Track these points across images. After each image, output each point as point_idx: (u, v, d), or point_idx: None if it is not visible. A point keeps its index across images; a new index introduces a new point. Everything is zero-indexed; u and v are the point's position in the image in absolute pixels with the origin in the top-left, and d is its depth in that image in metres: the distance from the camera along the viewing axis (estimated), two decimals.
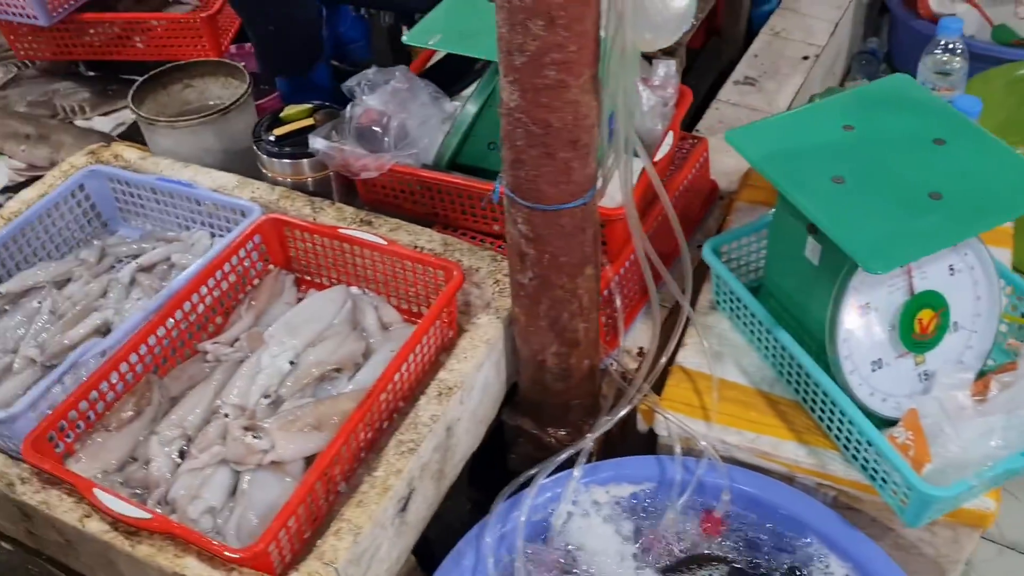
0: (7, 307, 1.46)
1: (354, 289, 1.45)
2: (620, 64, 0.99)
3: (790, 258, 1.25)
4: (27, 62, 2.15)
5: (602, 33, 0.99)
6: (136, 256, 1.57)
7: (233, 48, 2.12)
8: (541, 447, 1.43)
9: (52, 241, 1.56)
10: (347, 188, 1.61)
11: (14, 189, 1.90)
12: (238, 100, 1.74)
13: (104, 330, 1.39)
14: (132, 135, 2.04)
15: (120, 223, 1.66)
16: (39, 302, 1.45)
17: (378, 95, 1.47)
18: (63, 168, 1.62)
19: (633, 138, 1.08)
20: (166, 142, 1.74)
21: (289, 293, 1.46)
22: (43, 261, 1.54)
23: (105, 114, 2.10)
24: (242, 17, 1.73)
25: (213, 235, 1.56)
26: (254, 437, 1.15)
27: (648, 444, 1.42)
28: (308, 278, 1.50)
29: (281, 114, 1.62)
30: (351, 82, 1.48)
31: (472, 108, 1.42)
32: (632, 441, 1.45)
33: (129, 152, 1.65)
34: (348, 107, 1.48)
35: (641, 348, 1.50)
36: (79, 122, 2.07)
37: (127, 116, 2.09)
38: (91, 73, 2.19)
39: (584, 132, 1.05)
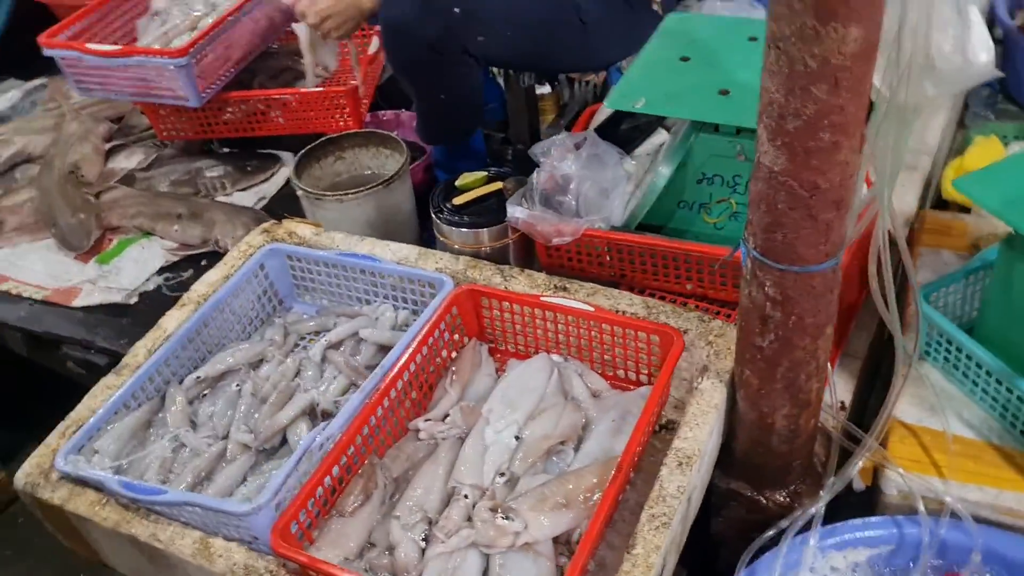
0: (206, 391, 1.45)
1: (555, 356, 1.42)
2: (895, 120, 0.97)
3: None
4: (166, 142, 2.17)
5: (879, 87, 0.97)
6: (318, 333, 1.56)
7: (368, 116, 2.14)
8: (755, 510, 1.39)
9: (239, 322, 1.55)
10: (526, 253, 1.60)
11: (170, 269, 1.92)
12: (400, 170, 1.74)
13: (311, 411, 1.38)
14: (272, 208, 2.06)
15: (295, 299, 1.66)
16: (237, 385, 1.44)
17: (563, 159, 1.46)
18: (241, 248, 1.63)
19: (890, 194, 1.06)
20: (331, 215, 1.74)
21: (488, 364, 1.44)
22: (231, 343, 1.53)
23: (244, 189, 2.11)
24: (411, 87, 1.74)
25: (396, 308, 1.55)
26: (504, 518, 1.12)
27: (864, 504, 1.38)
28: (502, 347, 1.48)
29: (457, 182, 1.61)
30: (537, 148, 1.48)
31: (666, 171, 1.41)
32: (846, 501, 1.40)
33: (302, 228, 1.65)
34: (535, 173, 1.48)
35: (843, 402, 1.46)
36: (221, 198, 2.08)
37: (267, 190, 2.11)
38: (226, 150, 2.22)
39: (848, 192, 1.03)
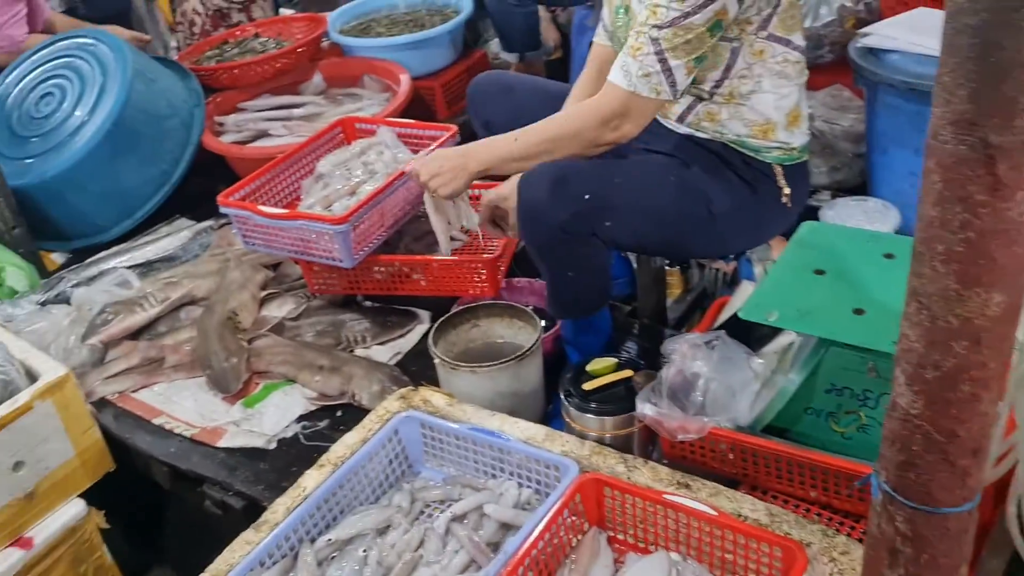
0: (335, 554, 1.52)
1: (674, 555, 1.43)
2: None
3: None
4: (314, 295, 2.33)
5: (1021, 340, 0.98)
6: (443, 502, 1.62)
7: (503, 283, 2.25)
8: None
9: (370, 484, 1.63)
10: (649, 441, 1.63)
11: (308, 416, 2.03)
12: (533, 346, 1.82)
13: None
14: (406, 364, 2.16)
15: (423, 465, 1.73)
16: (364, 551, 1.50)
17: (694, 358, 1.50)
18: (379, 413, 1.72)
19: None
20: (462, 384, 1.82)
21: (606, 555, 1.46)
22: (362, 505, 1.61)
23: (383, 343, 2.24)
24: (542, 264, 1.83)
25: (520, 485, 1.60)
26: None
27: None
28: (621, 536, 1.50)
29: (588, 367, 1.68)
30: (669, 345, 1.53)
31: (797, 379, 1.44)
32: None
33: (437, 398, 1.74)
34: (664, 368, 1.53)
35: None
36: (360, 351, 2.21)
37: (402, 345, 2.23)
38: (368, 303, 2.36)
39: (986, 441, 1.04)
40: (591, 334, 1.92)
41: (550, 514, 1.41)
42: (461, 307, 1.98)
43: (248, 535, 1.50)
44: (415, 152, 2.39)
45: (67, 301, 2.39)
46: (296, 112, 3.06)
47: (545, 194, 1.71)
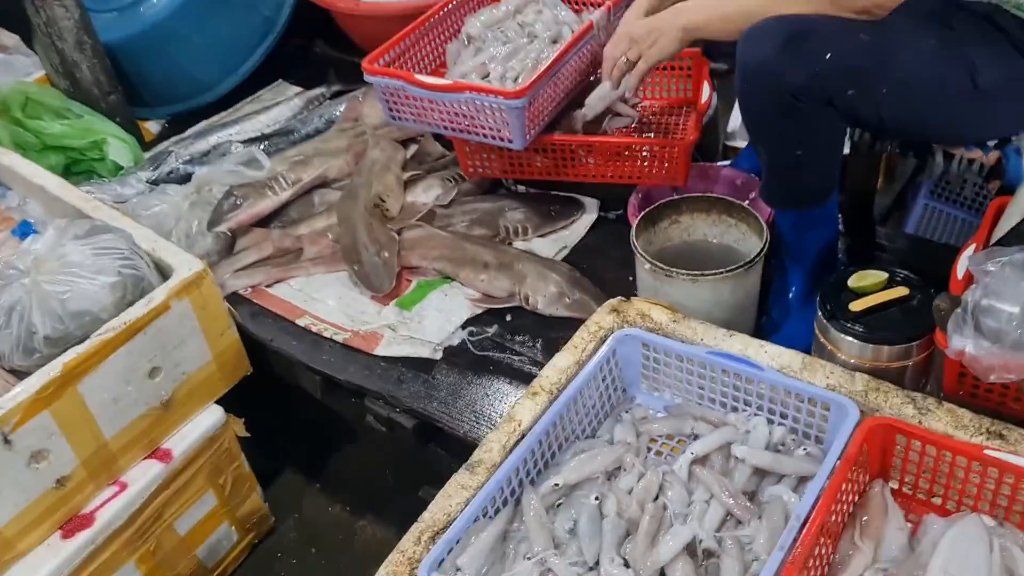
0: (560, 500, 1.29)
1: (987, 519, 1.18)
2: None
3: None
4: (459, 177, 2.03)
5: None
6: (672, 437, 1.38)
7: None
8: None
9: (587, 415, 1.39)
10: (924, 374, 1.36)
11: (473, 321, 1.78)
12: (763, 250, 1.53)
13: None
14: (575, 261, 1.89)
15: (638, 390, 1.48)
16: (597, 498, 1.26)
17: (1014, 283, 1.21)
18: (591, 330, 1.45)
19: None
20: (676, 294, 1.55)
21: (895, 514, 1.21)
22: (580, 440, 1.37)
23: (544, 235, 1.95)
24: (762, 140, 1.52)
25: (770, 422, 1.35)
26: None
27: None
28: (908, 492, 1.25)
29: (851, 282, 1.39)
30: (974, 262, 1.24)
31: None
32: None
33: (657, 312, 1.46)
34: (970, 291, 1.23)
35: None
36: (519, 243, 1.93)
37: (568, 238, 1.95)
38: (522, 188, 2.06)
39: None
40: (817, 228, 1.62)
41: (839, 467, 1.16)
42: (662, 201, 1.68)
43: (463, 478, 1.27)
44: (577, 13, 2.04)
45: (179, 180, 2.11)
46: None
47: (776, 52, 1.39)
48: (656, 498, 1.27)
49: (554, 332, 1.74)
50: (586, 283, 1.78)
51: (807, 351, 1.62)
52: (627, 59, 1.60)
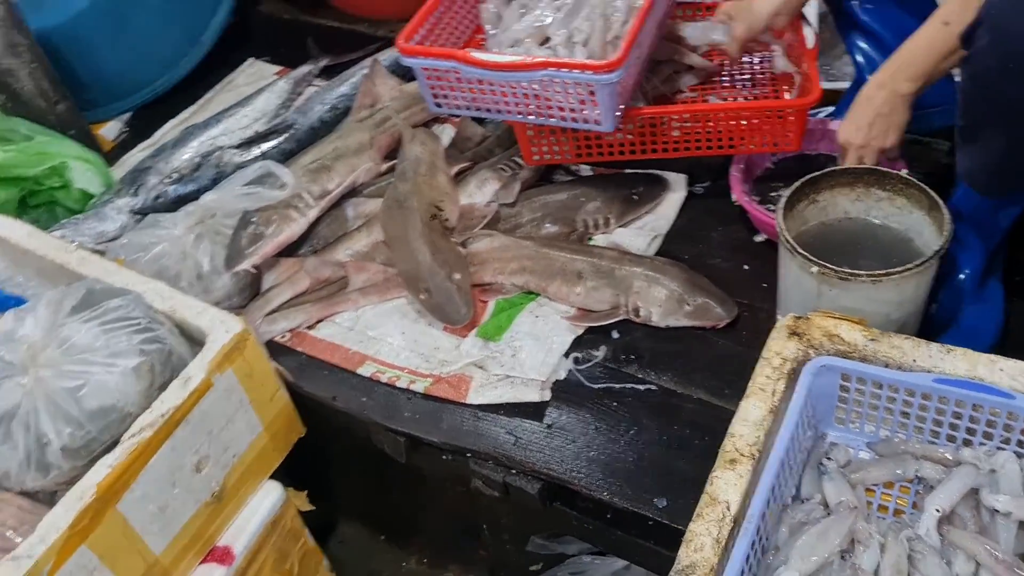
0: None
1: None
2: None
3: None
4: (514, 165, 1.69)
5: None
6: (891, 485, 1.12)
7: None
8: None
9: (790, 474, 1.11)
10: None
11: (575, 346, 1.47)
12: (950, 235, 1.25)
13: None
14: (672, 252, 1.59)
15: (830, 424, 1.20)
16: None
17: None
18: (774, 363, 1.16)
19: None
20: (849, 298, 1.27)
21: None
22: (786, 509, 1.10)
23: (627, 224, 1.64)
24: (1009, 126, 1.22)
25: (1019, 456, 1.09)
26: None
27: None
28: None
29: None
30: None
31: None
32: None
33: (845, 329, 1.18)
34: None
35: None
36: (599, 238, 1.62)
37: (657, 225, 1.65)
38: (585, 169, 1.74)
39: None
40: (1015, 204, 1.36)
41: None
42: (805, 179, 1.38)
43: None
44: None
45: (169, 205, 1.72)
46: None
47: None
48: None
49: (676, 345, 1.46)
50: (704, 282, 1.49)
51: (996, 344, 1.38)
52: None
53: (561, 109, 1.45)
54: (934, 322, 1.40)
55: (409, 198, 1.56)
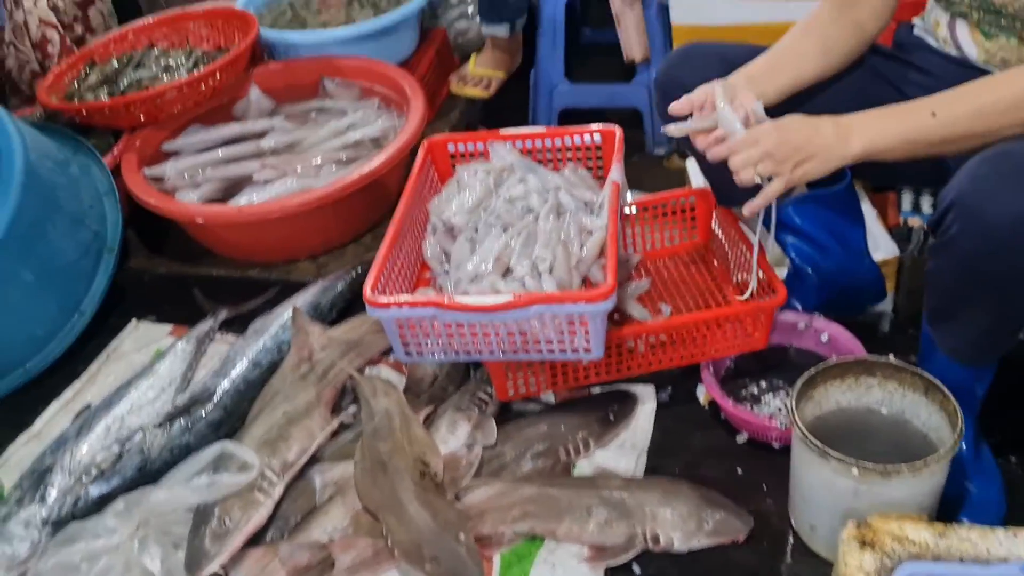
0: None
1: None
2: None
3: None
4: (480, 403, 1.61)
5: None
6: None
7: None
8: None
9: None
10: None
11: None
12: (961, 425, 1.29)
13: None
14: (660, 467, 1.54)
15: None
16: None
17: None
18: None
19: None
20: (892, 492, 1.25)
21: None
22: None
23: (606, 444, 1.58)
24: (979, 287, 1.22)
25: None
26: None
27: None
28: None
29: None
30: None
31: None
32: None
33: (912, 529, 1.16)
34: None
35: None
36: (582, 462, 1.55)
37: (636, 441, 1.59)
38: (550, 397, 1.68)
39: None
40: (980, 382, 1.42)
41: None
42: (802, 381, 1.38)
43: None
44: (556, 171, 1.73)
45: (91, 507, 1.47)
46: (264, 144, 2.21)
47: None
48: None
49: (701, 567, 1.38)
50: (714, 495, 1.44)
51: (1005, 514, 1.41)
52: (758, 175, 1.32)
53: (548, 342, 1.40)
54: (943, 500, 1.42)
55: (393, 458, 1.42)
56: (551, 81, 2.62)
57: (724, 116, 1.34)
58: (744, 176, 1.32)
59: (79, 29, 2.58)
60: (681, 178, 2.27)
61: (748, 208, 1.38)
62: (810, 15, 1.52)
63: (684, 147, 1.62)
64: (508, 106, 2.70)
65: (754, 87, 1.38)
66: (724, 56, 1.53)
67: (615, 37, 2.58)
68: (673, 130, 1.40)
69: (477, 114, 2.70)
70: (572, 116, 2.55)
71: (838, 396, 1.45)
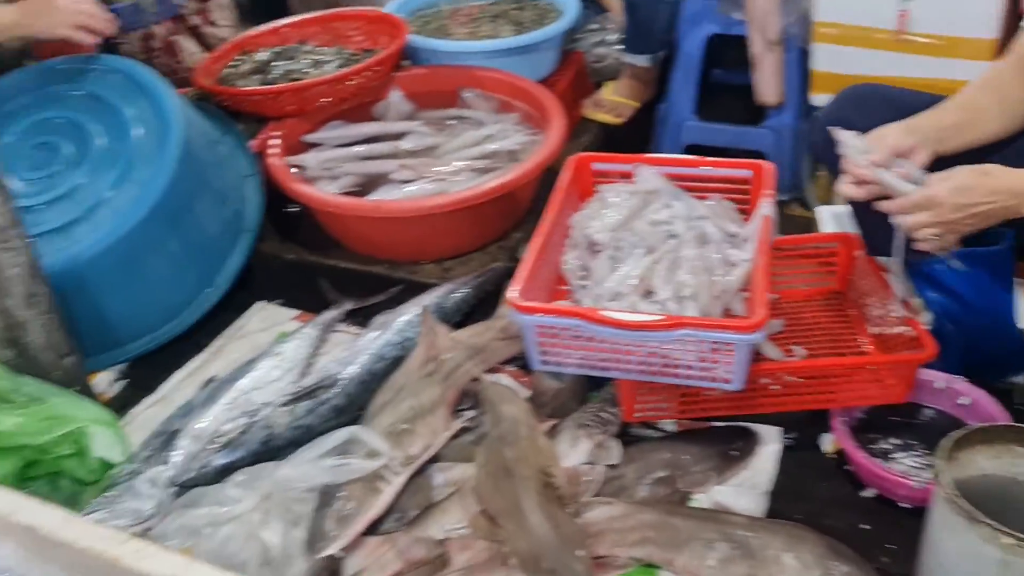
0: None
1: None
2: None
3: None
4: (601, 421, 1.59)
5: None
6: None
7: None
8: None
9: None
10: None
11: None
12: None
13: None
14: (782, 511, 1.50)
15: None
16: None
17: None
18: None
19: None
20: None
21: None
22: None
23: (725, 481, 1.55)
24: None
25: None
26: None
27: None
28: None
29: None
30: None
31: None
32: None
33: None
34: None
35: None
36: (700, 496, 1.52)
37: (757, 482, 1.55)
38: (669, 426, 1.66)
39: None
40: None
41: None
42: (950, 441, 1.34)
43: None
44: (701, 199, 1.71)
45: (212, 477, 1.50)
46: (403, 145, 2.25)
47: None
48: None
49: None
50: (841, 547, 1.39)
51: None
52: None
53: (688, 367, 1.38)
54: None
55: (518, 465, 1.41)
56: (681, 116, 2.61)
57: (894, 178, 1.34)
58: (919, 238, 1.31)
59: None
60: (800, 225, 2.24)
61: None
62: (989, 72, 1.49)
63: (834, 173, 1.60)
64: (632, 137, 2.70)
65: (941, 145, 1.37)
66: (893, 101, 1.51)
67: (745, 79, 2.55)
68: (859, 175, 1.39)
69: (602, 141, 2.71)
70: (696, 153, 2.54)
71: (983, 462, 1.39)
